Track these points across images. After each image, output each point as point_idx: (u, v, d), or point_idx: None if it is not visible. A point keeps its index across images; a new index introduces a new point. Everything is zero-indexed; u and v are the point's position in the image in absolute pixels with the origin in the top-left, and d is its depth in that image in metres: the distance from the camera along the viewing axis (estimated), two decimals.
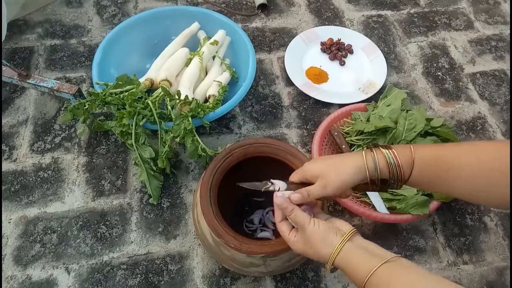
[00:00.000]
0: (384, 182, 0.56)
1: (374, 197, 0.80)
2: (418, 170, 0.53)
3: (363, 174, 0.55)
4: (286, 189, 0.60)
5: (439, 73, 1.08)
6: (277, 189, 0.60)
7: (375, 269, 0.48)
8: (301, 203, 0.57)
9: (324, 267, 0.53)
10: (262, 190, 0.61)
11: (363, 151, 0.56)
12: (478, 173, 0.51)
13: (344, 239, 0.52)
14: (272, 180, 0.61)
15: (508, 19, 1.21)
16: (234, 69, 0.97)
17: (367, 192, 0.80)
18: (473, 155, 0.52)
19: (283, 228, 0.58)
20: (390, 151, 0.55)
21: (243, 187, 0.62)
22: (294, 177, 0.60)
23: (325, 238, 0.53)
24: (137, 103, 0.80)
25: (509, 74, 1.08)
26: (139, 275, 0.76)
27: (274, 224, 0.80)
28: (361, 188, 0.58)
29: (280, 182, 0.61)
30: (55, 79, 0.91)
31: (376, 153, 0.55)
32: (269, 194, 0.60)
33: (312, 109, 0.99)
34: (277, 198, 0.57)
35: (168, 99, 0.82)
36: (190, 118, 0.79)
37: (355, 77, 1.06)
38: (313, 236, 0.53)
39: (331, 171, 0.56)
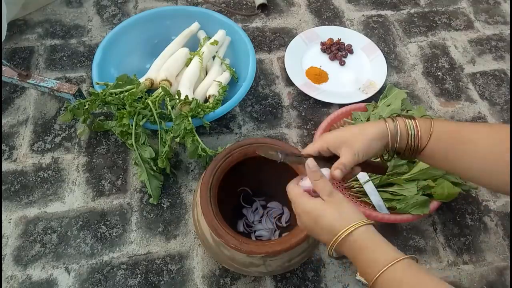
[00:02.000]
0: (398, 152, 0.56)
1: (374, 197, 0.80)
2: (434, 141, 0.53)
3: (386, 139, 0.55)
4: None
5: (439, 73, 1.08)
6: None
7: (397, 260, 0.45)
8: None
9: (328, 251, 0.50)
10: (279, 161, 0.57)
11: (385, 120, 0.56)
12: (492, 150, 0.50)
13: (367, 220, 0.49)
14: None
15: (508, 19, 1.20)
16: (234, 69, 0.97)
17: (367, 192, 0.80)
18: (489, 134, 0.52)
19: (293, 185, 0.55)
20: (412, 121, 0.55)
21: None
22: (312, 147, 0.57)
23: (355, 209, 0.50)
24: (137, 103, 0.80)
25: (509, 74, 1.08)
26: (139, 275, 0.76)
27: (273, 223, 0.80)
28: (372, 158, 0.58)
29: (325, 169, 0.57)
30: (55, 79, 0.91)
31: (398, 122, 0.55)
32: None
33: (312, 109, 0.99)
34: (310, 160, 0.54)
35: (168, 99, 0.82)
36: (190, 118, 0.79)
37: (355, 77, 1.06)
38: (342, 202, 0.50)
39: (356, 136, 0.55)
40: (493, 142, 0.51)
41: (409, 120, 0.55)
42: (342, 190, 0.83)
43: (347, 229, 0.48)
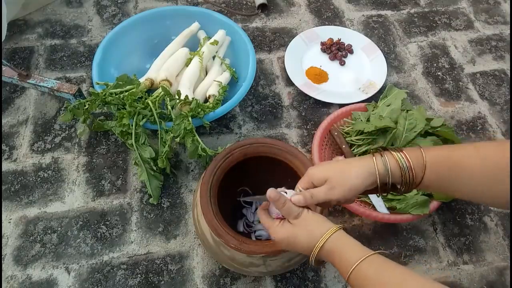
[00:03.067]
0: (394, 187, 0.55)
1: (374, 197, 0.80)
2: (430, 173, 0.52)
3: (373, 178, 0.53)
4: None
5: (439, 73, 1.08)
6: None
7: (364, 257, 0.48)
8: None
9: (314, 261, 0.53)
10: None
11: (373, 155, 0.55)
12: (483, 171, 0.51)
13: (335, 227, 0.52)
14: (284, 190, 0.58)
15: (508, 19, 1.20)
16: (234, 69, 0.97)
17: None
18: (476, 154, 0.52)
19: (264, 216, 0.57)
20: (401, 154, 0.53)
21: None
22: (301, 184, 0.58)
23: (322, 221, 0.53)
24: (137, 103, 0.80)
25: (509, 74, 1.08)
26: (139, 275, 0.76)
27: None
28: (368, 192, 0.57)
29: (291, 191, 0.58)
30: (55, 79, 0.91)
31: (387, 156, 0.53)
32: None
33: (312, 109, 0.99)
34: (270, 190, 0.55)
35: (168, 99, 0.82)
36: (190, 118, 0.79)
37: (355, 77, 1.06)
38: (307, 220, 0.53)
39: (339, 175, 0.54)
40: (481, 163, 0.51)
41: (398, 153, 0.53)
42: None
43: (319, 243, 0.51)
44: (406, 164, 0.52)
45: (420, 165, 0.52)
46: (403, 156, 0.53)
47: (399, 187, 0.55)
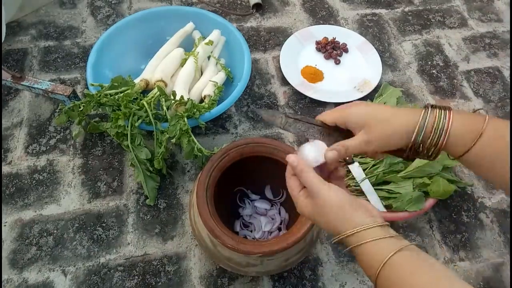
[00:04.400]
0: (417, 150, 0.47)
1: (371, 195, 0.80)
2: (485, 145, 0.43)
3: (412, 134, 0.46)
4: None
5: (433, 71, 1.08)
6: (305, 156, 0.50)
7: (390, 255, 0.42)
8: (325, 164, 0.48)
9: (339, 241, 0.47)
10: (281, 127, 0.51)
11: (422, 109, 0.46)
12: None
13: (368, 225, 0.44)
14: (313, 141, 0.51)
15: (501, 16, 1.21)
16: (229, 69, 0.97)
17: (364, 191, 0.80)
18: None
19: (293, 183, 0.50)
20: (445, 113, 0.45)
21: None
22: (329, 116, 0.50)
23: (342, 212, 0.45)
24: (132, 104, 0.80)
25: (503, 71, 1.09)
26: (136, 277, 0.75)
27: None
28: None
29: (319, 142, 0.50)
30: (49, 81, 0.90)
31: (430, 114, 0.45)
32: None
33: (308, 108, 1.00)
34: (289, 156, 0.49)
35: (163, 99, 0.82)
36: (185, 119, 0.79)
37: (350, 75, 1.06)
38: (327, 205, 0.46)
39: (380, 127, 0.46)
40: None
41: (443, 111, 0.45)
42: None
43: (338, 236, 0.46)
44: (444, 125, 0.44)
45: (472, 131, 0.44)
46: (446, 115, 0.45)
47: (423, 149, 0.46)
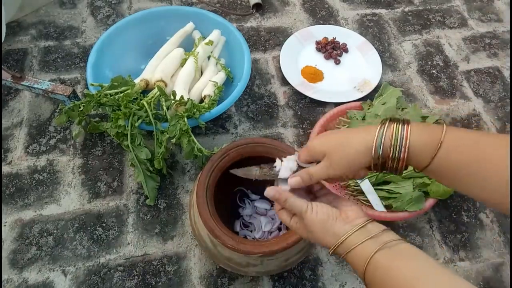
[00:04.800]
0: (385, 166, 0.47)
1: (371, 195, 0.80)
2: (444, 156, 0.43)
3: (371, 154, 0.46)
4: (296, 169, 0.53)
5: (433, 71, 1.08)
6: (277, 173, 0.53)
7: (371, 255, 0.43)
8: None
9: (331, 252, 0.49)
10: (254, 179, 0.55)
11: (379, 125, 0.47)
12: None
13: (348, 232, 0.46)
14: (280, 159, 0.54)
15: (501, 16, 1.21)
16: (229, 69, 0.97)
17: (364, 191, 0.80)
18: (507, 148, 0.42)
19: (283, 217, 0.53)
20: (404, 126, 0.45)
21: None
22: (301, 157, 0.53)
23: (325, 227, 0.47)
24: (132, 104, 0.80)
25: (503, 71, 1.09)
26: (136, 277, 0.75)
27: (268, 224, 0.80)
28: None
29: (290, 158, 0.53)
30: (49, 81, 0.90)
31: (386, 128, 0.46)
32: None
33: (308, 108, 1.00)
34: (268, 190, 0.52)
35: (163, 99, 0.82)
36: (185, 119, 0.79)
37: (350, 75, 1.06)
38: (312, 224, 0.48)
39: (337, 150, 0.48)
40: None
41: (399, 125, 0.45)
42: (339, 188, 0.84)
43: (330, 251, 0.48)
44: (403, 139, 0.45)
45: (432, 142, 0.44)
46: (403, 129, 0.45)
47: (389, 164, 0.46)
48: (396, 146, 0.45)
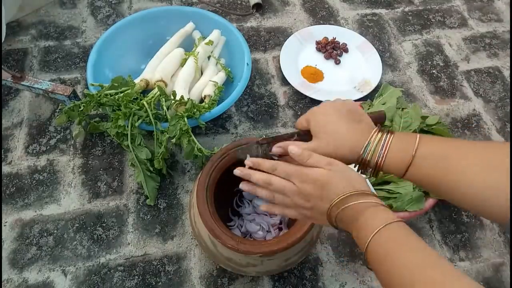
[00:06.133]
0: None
1: None
2: (416, 168, 0.48)
3: (356, 157, 0.51)
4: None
5: (434, 71, 1.08)
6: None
7: (379, 228, 0.44)
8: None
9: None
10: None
11: (373, 131, 0.52)
12: (485, 179, 0.44)
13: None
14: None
15: (501, 16, 1.21)
16: (229, 69, 0.97)
17: None
18: (476, 157, 0.46)
19: (281, 183, 0.53)
20: (388, 136, 0.50)
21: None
22: (301, 120, 0.57)
23: (351, 174, 0.50)
24: (132, 104, 0.80)
25: (503, 71, 1.09)
26: (136, 277, 0.75)
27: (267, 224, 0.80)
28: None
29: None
30: (49, 81, 0.90)
31: (375, 137, 0.51)
32: None
33: (308, 108, 0.98)
34: (291, 148, 0.52)
35: (163, 99, 0.82)
36: (185, 119, 0.79)
37: (350, 75, 1.06)
38: (343, 170, 0.50)
39: (332, 135, 0.52)
40: (481, 169, 0.45)
41: (385, 135, 0.50)
42: None
43: (332, 206, 0.49)
44: (382, 148, 0.50)
45: (407, 151, 0.48)
46: (387, 139, 0.50)
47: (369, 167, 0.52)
48: (377, 154, 0.50)
